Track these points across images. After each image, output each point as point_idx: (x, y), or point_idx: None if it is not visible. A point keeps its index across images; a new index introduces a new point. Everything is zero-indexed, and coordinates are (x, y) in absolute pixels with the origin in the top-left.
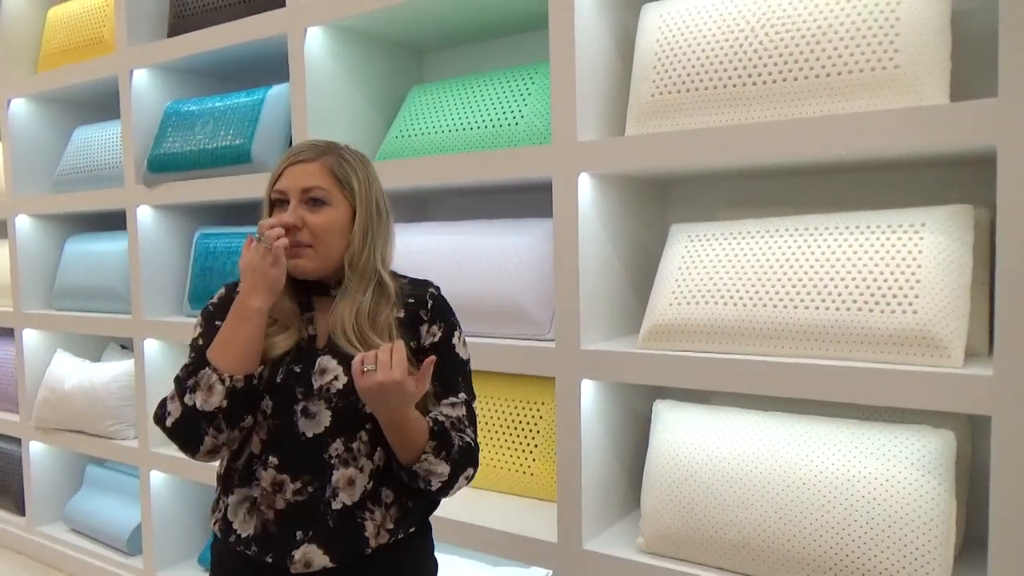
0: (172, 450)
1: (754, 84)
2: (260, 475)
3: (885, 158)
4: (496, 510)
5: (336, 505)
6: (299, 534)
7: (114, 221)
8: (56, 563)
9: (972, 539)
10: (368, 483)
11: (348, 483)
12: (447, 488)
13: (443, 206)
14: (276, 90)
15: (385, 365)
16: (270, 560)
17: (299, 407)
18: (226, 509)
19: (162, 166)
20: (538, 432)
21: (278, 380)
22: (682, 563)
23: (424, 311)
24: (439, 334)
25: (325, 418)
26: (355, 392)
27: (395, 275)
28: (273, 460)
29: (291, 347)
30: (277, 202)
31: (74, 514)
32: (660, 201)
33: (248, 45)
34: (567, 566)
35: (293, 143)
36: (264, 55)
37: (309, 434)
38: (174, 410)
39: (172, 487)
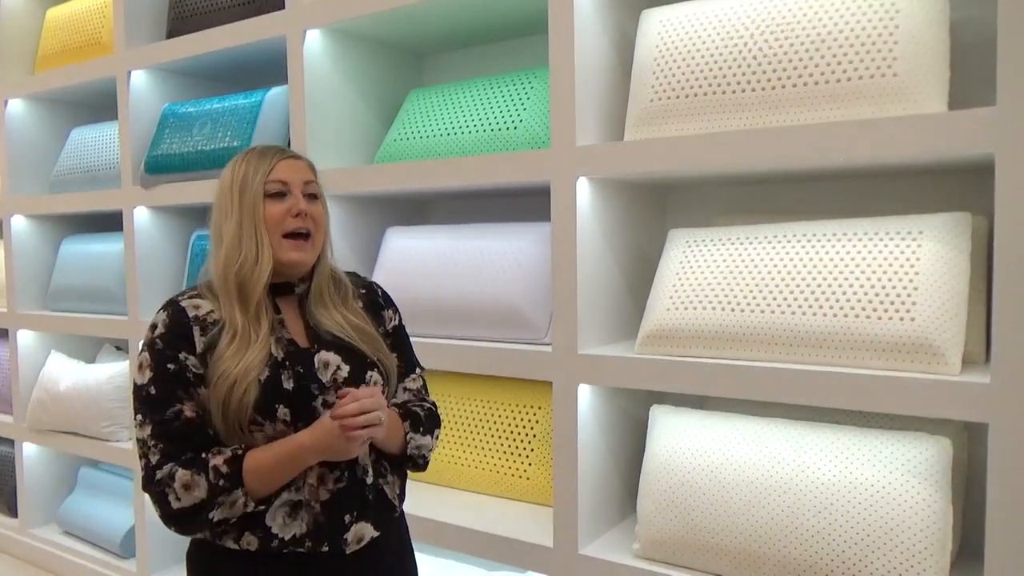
0: None
1: (753, 91)
2: (307, 473)
3: (883, 165)
4: (492, 514)
5: (370, 480)
6: (347, 517)
7: (110, 222)
8: (49, 565)
9: (967, 546)
10: (371, 455)
11: (366, 458)
12: (430, 452)
13: (441, 209)
14: (274, 92)
15: (374, 420)
16: (326, 549)
17: (318, 403)
18: (262, 517)
19: (159, 167)
20: (534, 436)
21: (286, 387)
22: (678, 568)
23: (378, 298)
24: (395, 319)
25: None
26: (360, 377)
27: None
28: None
29: (275, 355)
30: (275, 193)
31: (67, 516)
32: (658, 206)
33: (247, 47)
34: (563, 571)
35: (291, 146)
36: (262, 57)
37: None
38: (176, 502)
39: None
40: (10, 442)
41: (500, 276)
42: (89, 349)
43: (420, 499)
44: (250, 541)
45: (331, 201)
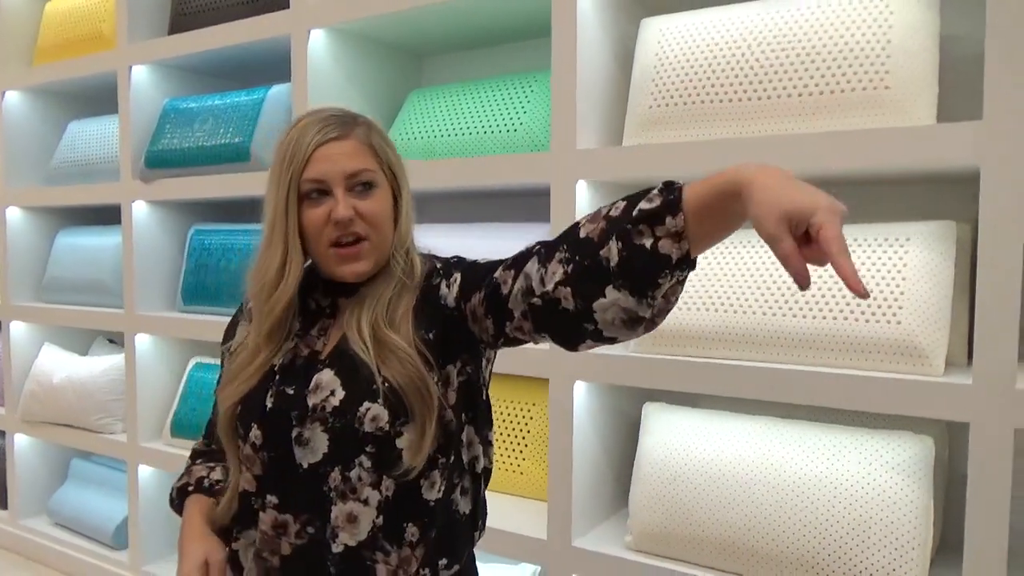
0: (161, 444)
1: (749, 100)
2: (260, 517)
3: (873, 174)
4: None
5: (337, 548)
6: None
7: (106, 216)
8: (40, 557)
9: (947, 541)
10: (377, 518)
11: (349, 520)
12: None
13: (440, 210)
14: (276, 90)
15: None
16: None
17: (294, 434)
18: (236, 555)
19: (160, 162)
20: (529, 432)
21: (267, 406)
22: (668, 560)
23: (436, 277)
24: (458, 275)
25: (321, 443)
26: (352, 408)
27: (421, 254)
28: (272, 499)
29: (280, 362)
30: (312, 193)
31: (58, 507)
32: None
33: (249, 45)
34: (556, 562)
35: None
36: (264, 55)
37: (305, 465)
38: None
39: (160, 481)
40: (1, 433)
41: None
42: (81, 342)
43: None
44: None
45: None
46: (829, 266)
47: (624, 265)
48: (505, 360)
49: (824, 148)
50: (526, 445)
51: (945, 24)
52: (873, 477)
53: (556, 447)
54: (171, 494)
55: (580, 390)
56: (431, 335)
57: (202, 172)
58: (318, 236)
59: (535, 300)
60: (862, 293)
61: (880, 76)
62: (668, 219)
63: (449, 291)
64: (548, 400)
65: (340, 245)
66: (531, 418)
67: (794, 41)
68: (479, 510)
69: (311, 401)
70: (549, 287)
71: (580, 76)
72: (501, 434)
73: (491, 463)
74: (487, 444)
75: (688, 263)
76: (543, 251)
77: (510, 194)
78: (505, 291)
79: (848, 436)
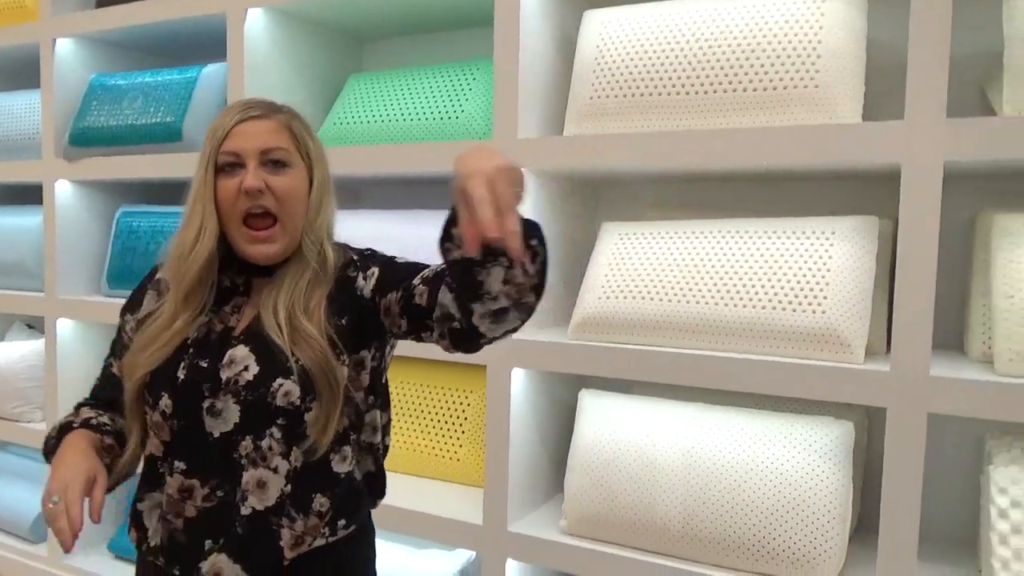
0: None
1: (687, 94)
2: (167, 480)
3: (802, 169)
4: (422, 494)
5: (245, 510)
6: (208, 543)
7: (27, 195)
8: None
9: (865, 521)
10: (285, 485)
11: (258, 485)
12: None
13: (377, 196)
14: (211, 69)
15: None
16: (177, 572)
17: (205, 404)
18: (140, 516)
19: (85, 140)
20: (466, 419)
21: (180, 377)
22: (602, 544)
23: (353, 268)
24: (374, 274)
25: (233, 414)
26: (265, 383)
27: (335, 245)
28: (180, 464)
29: (194, 336)
30: (226, 166)
31: None
32: (592, 200)
33: (182, 21)
34: (491, 547)
35: None
36: (199, 33)
37: (216, 433)
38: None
39: None
40: None
41: (438, 262)
42: None
43: None
44: (133, 536)
45: None
46: (755, 257)
47: (454, 278)
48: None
49: (757, 142)
50: (464, 432)
51: (872, 28)
52: (797, 460)
53: (493, 433)
54: (49, 434)
55: (518, 377)
56: (344, 321)
57: (130, 152)
58: (231, 208)
59: (454, 325)
60: (516, 252)
61: (811, 75)
62: (454, 228)
63: (366, 283)
64: (485, 387)
65: (253, 225)
66: (468, 405)
67: (730, 38)
68: (381, 481)
69: (224, 375)
70: (464, 320)
71: (522, 65)
72: (438, 421)
73: (390, 439)
74: (388, 422)
75: (494, 252)
76: (450, 282)
77: (448, 181)
78: (420, 303)
79: (774, 421)
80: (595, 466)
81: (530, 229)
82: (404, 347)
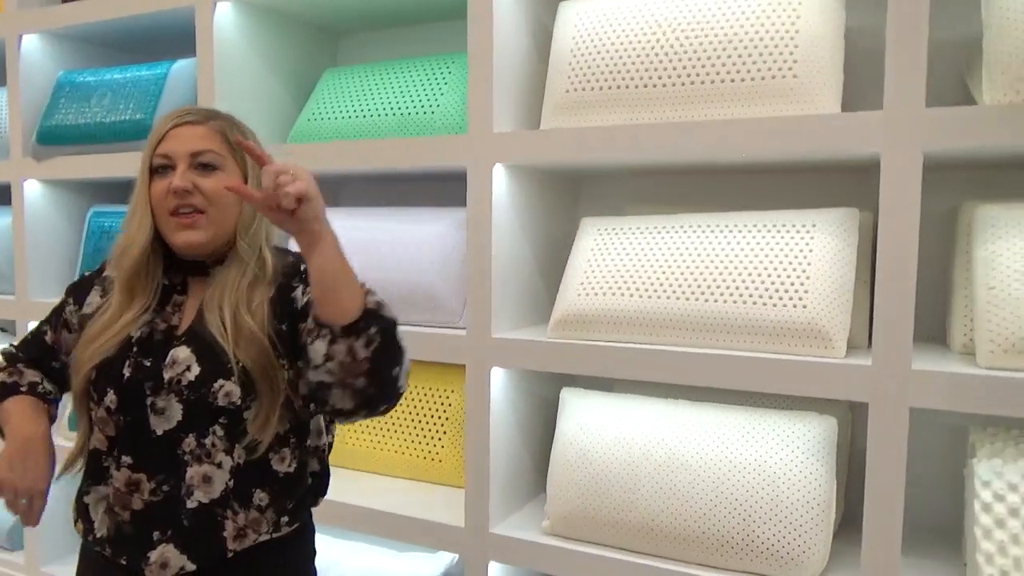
0: (59, 438)
1: (664, 86)
2: (113, 474)
3: (782, 161)
4: (403, 497)
5: (191, 504)
6: (156, 534)
7: None
8: None
9: (849, 516)
10: (229, 480)
11: (203, 480)
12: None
13: (353, 192)
14: (181, 65)
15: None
16: (124, 562)
17: (149, 402)
18: (87, 508)
19: (53, 139)
20: (447, 419)
21: (125, 374)
22: (585, 544)
23: (297, 280)
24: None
25: (176, 412)
26: (207, 384)
27: (276, 250)
28: (127, 459)
29: (138, 335)
30: (159, 168)
31: None
32: (571, 194)
33: (151, 16)
34: (473, 550)
35: None
36: (167, 28)
37: (160, 431)
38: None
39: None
40: None
41: (415, 260)
42: None
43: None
44: (79, 527)
45: None
46: (736, 251)
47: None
48: (421, 347)
49: (735, 135)
50: (444, 432)
51: (850, 17)
52: (780, 456)
53: (473, 434)
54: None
55: (498, 376)
56: (284, 327)
57: (101, 150)
58: (161, 207)
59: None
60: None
61: (789, 65)
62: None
63: (301, 298)
64: (465, 387)
65: (179, 215)
66: (449, 405)
67: (707, 28)
68: (324, 479)
69: (167, 375)
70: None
71: (497, 58)
72: (417, 422)
73: (333, 438)
74: (331, 420)
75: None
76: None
77: (426, 177)
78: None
79: (757, 417)
80: (577, 465)
81: (374, 318)
82: None
